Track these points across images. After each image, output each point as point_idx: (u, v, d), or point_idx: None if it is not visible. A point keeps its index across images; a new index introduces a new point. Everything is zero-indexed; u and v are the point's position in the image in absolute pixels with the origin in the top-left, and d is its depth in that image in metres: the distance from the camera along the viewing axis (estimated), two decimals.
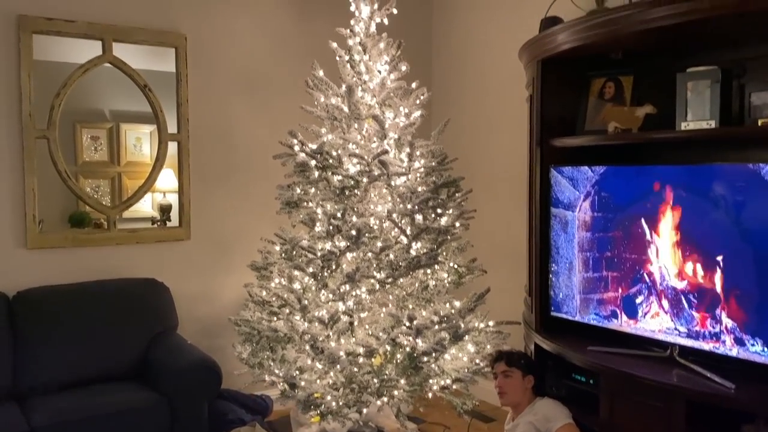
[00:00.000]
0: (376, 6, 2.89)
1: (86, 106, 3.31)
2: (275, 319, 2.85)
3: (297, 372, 2.74)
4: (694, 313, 2.25)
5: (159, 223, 3.49)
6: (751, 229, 2.07)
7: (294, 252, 2.82)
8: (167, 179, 3.47)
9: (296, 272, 2.84)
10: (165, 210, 3.51)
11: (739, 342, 2.12)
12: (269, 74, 3.68)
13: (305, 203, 2.91)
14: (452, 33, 4.10)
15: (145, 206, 3.48)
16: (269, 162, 3.02)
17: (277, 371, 2.79)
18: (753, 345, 2.08)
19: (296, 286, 2.82)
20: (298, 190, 2.90)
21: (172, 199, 3.49)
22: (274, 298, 2.88)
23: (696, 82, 2.15)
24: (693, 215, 2.24)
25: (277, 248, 2.95)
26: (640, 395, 2.21)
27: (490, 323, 2.91)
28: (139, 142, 3.48)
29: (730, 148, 2.38)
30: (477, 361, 2.85)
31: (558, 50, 2.52)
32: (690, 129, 2.18)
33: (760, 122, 2.02)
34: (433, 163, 2.84)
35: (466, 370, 2.80)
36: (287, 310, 2.79)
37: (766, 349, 2.05)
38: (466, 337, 2.82)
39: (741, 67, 2.28)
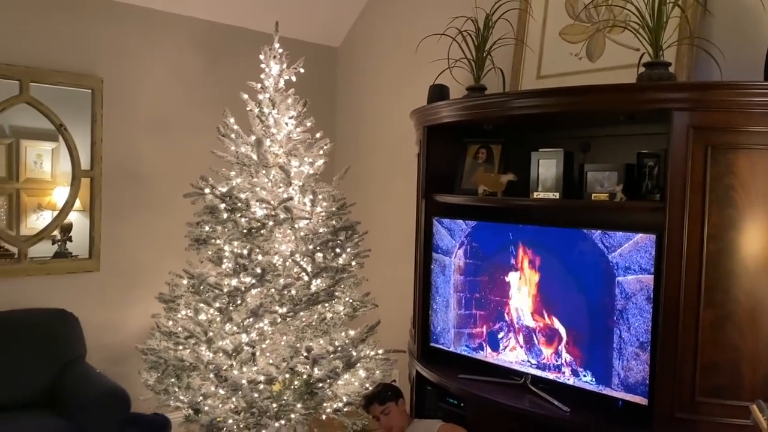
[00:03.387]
0: (285, 65, 3.21)
1: None
2: (181, 348, 3.07)
3: (201, 398, 2.96)
4: (543, 348, 2.71)
5: (59, 243, 3.50)
6: (583, 282, 2.56)
7: (201, 287, 3.05)
8: (62, 197, 3.47)
9: (202, 305, 3.07)
10: (65, 230, 3.53)
11: (575, 373, 2.60)
12: (181, 117, 3.89)
13: (213, 240, 3.15)
14: (354, 90, 4.49)
15: (44, 224, 3.45)
16: (178, 200, 3.21)
17: (182, 397, 2.99)
18: (585, 376, 2.56)
19: (202, 317, 3.05)
20: (207, 228, 3.13)
21: (73, 218, 3.51)
22: (180, 329, 3.09)
23: (545, 160, 2.63)
24: (541, 266, 2.70)
25: (185, 282, 3.16)
26: (498, 418, 2.64)
27: (380, 351, 3.27)
28: (40, 158, 3.49)
29: (570, 212, 2.90)
30: (367, 385, 3.20)
31: (441, 121, 2.95)
32: (540, 198, 2.67)
33: (593, 196, 2.52)
34: (334, 208, 3.17)
35: (357, 394, 3.14)
36: (193, 341, 3.01)
37: (593, 379, 2.53)
38: (358, 365, 3.17)
39: (587, 144, 2.79)
